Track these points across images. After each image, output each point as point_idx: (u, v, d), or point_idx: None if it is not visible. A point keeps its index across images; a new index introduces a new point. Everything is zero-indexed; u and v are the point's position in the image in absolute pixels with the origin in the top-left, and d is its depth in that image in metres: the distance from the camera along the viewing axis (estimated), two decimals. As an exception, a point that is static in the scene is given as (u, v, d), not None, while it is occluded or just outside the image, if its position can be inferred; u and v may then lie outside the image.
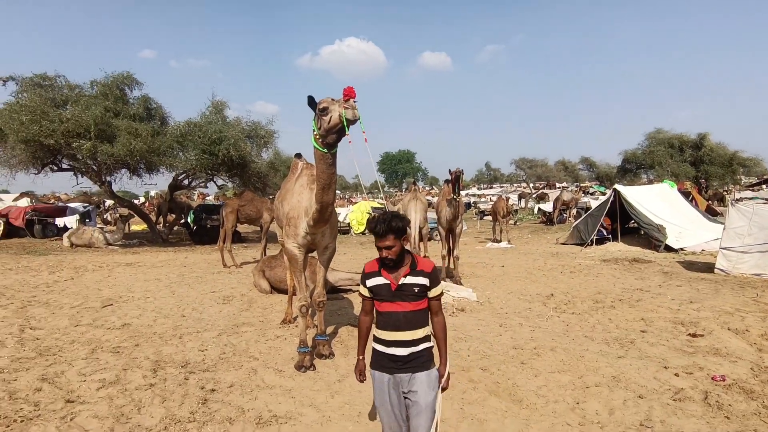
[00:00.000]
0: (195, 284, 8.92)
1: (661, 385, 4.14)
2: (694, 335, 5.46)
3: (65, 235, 15.22)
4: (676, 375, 4.34)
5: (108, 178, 16.74)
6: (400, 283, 2.56)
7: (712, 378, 4.25)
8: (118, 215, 18.11)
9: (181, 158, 15.86)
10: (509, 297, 7.69)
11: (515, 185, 54.30)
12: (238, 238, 16.47)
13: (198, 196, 30.99)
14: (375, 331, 2.64)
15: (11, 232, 17.48)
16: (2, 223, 17.46)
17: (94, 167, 15.60)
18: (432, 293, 2.61)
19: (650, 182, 26.78)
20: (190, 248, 15.77)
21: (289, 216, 4.62)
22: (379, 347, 2.59)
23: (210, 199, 30.16)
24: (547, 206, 26.12)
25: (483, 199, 39.72)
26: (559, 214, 22.94)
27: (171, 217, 20.70)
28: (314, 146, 3.99)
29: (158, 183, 29.13)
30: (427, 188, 54.89)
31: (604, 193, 24.51)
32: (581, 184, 44.02)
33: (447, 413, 3.70)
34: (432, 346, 2.65)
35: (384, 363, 2.58)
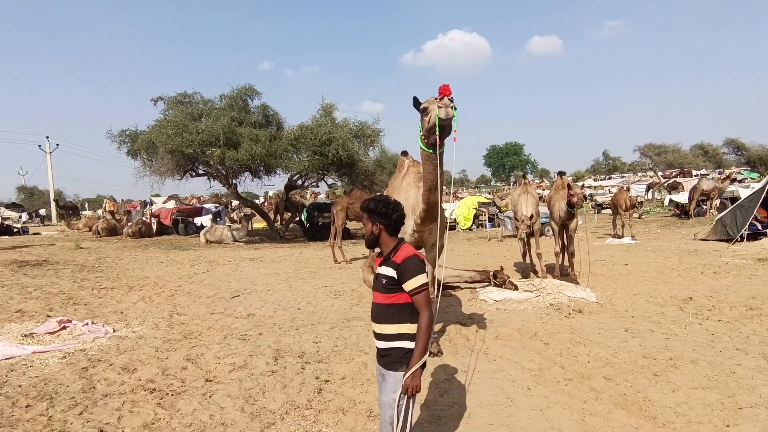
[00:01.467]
0: (309, 279, 9.51)
1: None
2: None
3: (201, 232, 17.34)
4: None
5: (234, 181, 18.67)
6: (377, 272, 2.49)
7: None
8: (243, 214, 20.11)
9: (295, 160, 17.06)
10: (635, 299, 6.92)
11: (639, 175, 48.93)
12: (347, 234, 17.24)
13: (310, 195, 33.08)
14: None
15: (162, 230, 20.47)
16: (156, 222, 20.51)
17: (223, 171, 17.49)
18: (407, 286, 2.34)
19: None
20: (305, 244, 16.91)
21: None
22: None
23: (322, 198, 32.02)
24: (681, 197, 23.05)
25: (601, 191, 36.51)
26: (697, 206, 20.12)
27: (287, 215, 22.39)
28: (420, 146, 3.98)
29: (275, 184, 31.76)
30: (537, 181, 52.01)
31: (757, 180, 20.87)
32: (726, 171, 38.19)
33: (565, 423, 3.43)
34: (408, 349, 2.37)
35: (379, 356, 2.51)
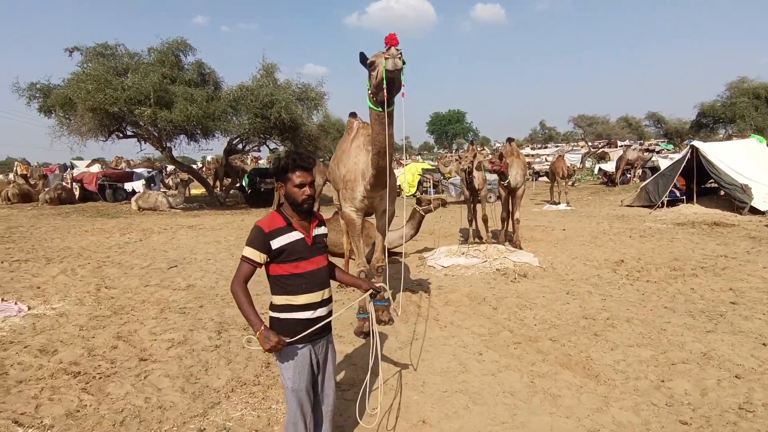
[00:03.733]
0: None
1: (761, 364, 3.69)
2: (795, 309, 4.86)
3: (133, 199, 16.08)
4: (779, 354, 3.86)
5: (168, 144, 17.35)
6: (314, 234, 2.28)
7: (824, 359, 3.74)
8: (179, 180, 18.86)
9: (234, 122, 16.08)
10: (574, 263, 7.24)
11: (572, 144, 51.49)
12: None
13: (252, 160, 31.70)
14: (291, 299, 2.20)
15: (86, 196, 18.76)
16: (78, 188, 18.73)
17: (155, 133, 16.16)
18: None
19: (729, 138, 24.35)
20: (246, 211, 16.22)
21: (346, 179, 4.42)
22: (303, 314, 2.20)
23: (263, 163, 30.78)
24: (609, 166, 24.49)
25: (538, 159, 37.99)
26: (622, 175, 21.46)
27: (227, 181, 21.33)
28: (369, 106, 3.68)
29: (214, 148, 30.05)
30: (479, 149, 53.19)
31: (673, 151, 22.58)
32: (646, 142, 40.99)
33: (516, 386, 3.50)
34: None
35: (307, 333, 2.20)
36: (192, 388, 3.44)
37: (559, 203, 15.53)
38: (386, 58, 3.15)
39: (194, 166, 29.94)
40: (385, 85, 3.27)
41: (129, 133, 16.84)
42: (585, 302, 5.36)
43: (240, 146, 19.38)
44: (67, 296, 5.67)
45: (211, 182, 21.34)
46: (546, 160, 32.76)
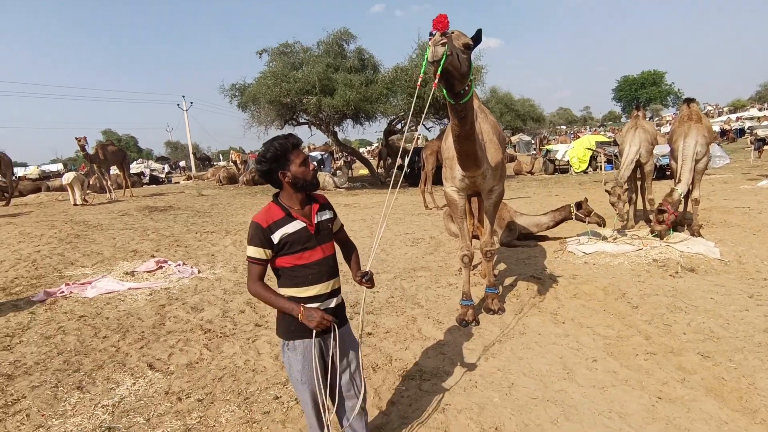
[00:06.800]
0: (393, 225, 9.37)
1: None
2: None
3: (305, 180, 18.13)
4: None
5: (336, 128, 18.99)
6: (316, 221, 2.11)
7: None
8: (342, 161, 20.56)
9: (391, 103, 16.65)
10: (778, 257, 5.49)
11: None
12: (439, 179, 16.65)
13: (415, 139, 32.55)
14: (300, 292, 2.07)
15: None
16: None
17: (323, 119, 17.85)
18: (336, 225, 2.30)
19: None
20: (404, 190, 16.77)
21: (446, 157, 4.13)
22: (312, 306, 2.06)
23: (422, 142, 31.32)
24: None
25: (765, 122, 29.98)
26: None
27: (389, 161, 22.37)
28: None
29: (380, 130, 31.83)
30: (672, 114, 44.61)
31: None
32: None
33: (630, 407, 2.82)
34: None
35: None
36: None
37: (785, 178, 11.97)
38: (429, 47, 2.72)
39: (370, 148, 32.17)
40: (433, 76, 2.76)
41: (302, 121, 18.97)
42: (775, 311, 4.02)
43: (398, 126, 20.04)
44: (228, 263, 6.73)
45: (374, 163, 22.70)
46: (777, 123, 25.54)
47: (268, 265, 2.09)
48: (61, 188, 16.56)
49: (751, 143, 22.26)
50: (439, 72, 2.69)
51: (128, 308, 4.94)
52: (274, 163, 2.03)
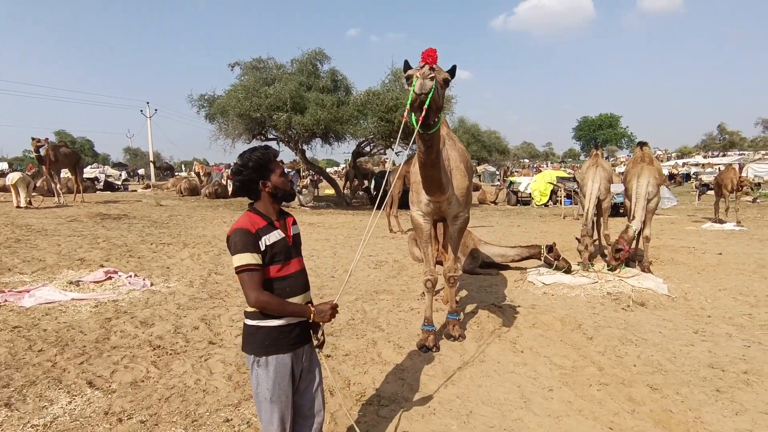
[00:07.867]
0: (357, 247, 9.31)
1: None
2: None
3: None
4: None
5: (304, 146, 18.89)
6: (292, 234, 2.15)
7: None
8: (308, 180, 20.45)
9: (361, 126, 16.77)
10: (719, 295, 5.82)
11: (762, 153, 42.50)
12: (406, 203, 16.81)
13: (381, 163, 32.87)
14: None
15: (237, 192, 21.44)
16: (232, 185, 21.58)
17: (292, 136, 17.74)
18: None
19: None
20: (369, 212, 16.78)
21: (413, 181, 4.18)
22: (285, 320, 2.03)
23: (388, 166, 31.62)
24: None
25: (709, 169, 32.16)
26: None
27: (355, 182, 22.41)
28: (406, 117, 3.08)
29: (348, 151, 32.01)
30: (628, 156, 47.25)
31: None
32: None
33: (584, 439, 2.86)
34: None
35: (288, 341, 2.04)
36: (238, 377, 3.55)
37: (726, 222, 12.82)
38: (416, 78, 2.78)
39: (336, 168, 32.21)
40: (408, 107, 2.84)
41: (270, 136, 18.79)
42: (718, 347, 4.22)
43: (367, 149, 20.17)
44: (184, 277, 6.45)
45: (341, 183, 22.67)
46: (718, 170, 27.49)
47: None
48: (4, 188, 15.58)
49: (696, 188, 23.88)
50: (426, 105, 2.76)
51: (69, 320, 4.61)
52: (255, 173, 2.03)
